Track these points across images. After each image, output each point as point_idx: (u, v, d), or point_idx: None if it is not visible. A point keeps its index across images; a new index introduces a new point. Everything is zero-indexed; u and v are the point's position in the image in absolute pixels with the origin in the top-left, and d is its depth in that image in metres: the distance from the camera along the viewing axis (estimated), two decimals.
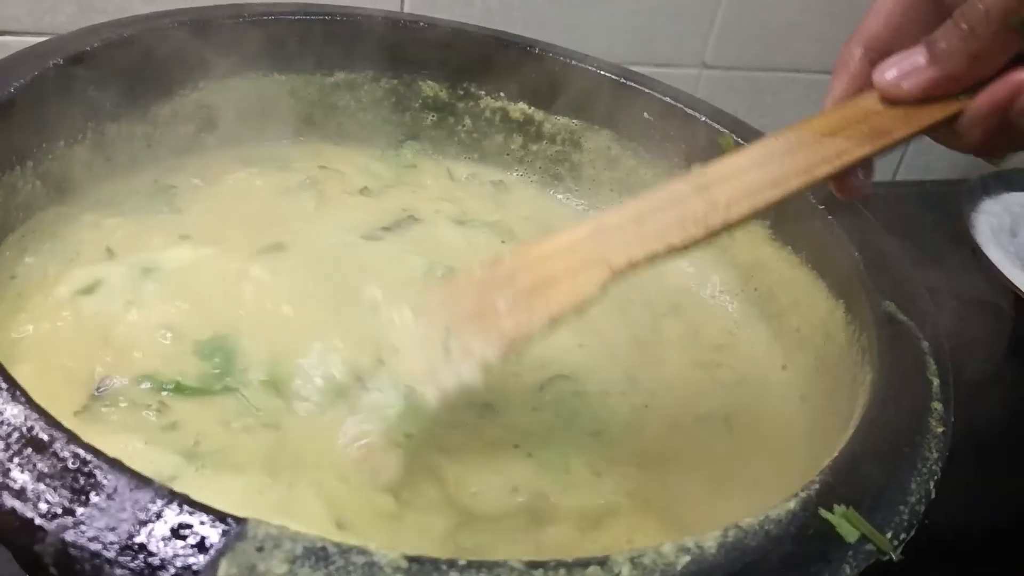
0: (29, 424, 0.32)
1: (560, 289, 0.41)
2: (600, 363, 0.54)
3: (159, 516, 0.29)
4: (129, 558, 0.28)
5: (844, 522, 0.35)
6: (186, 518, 0.29)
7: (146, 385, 0.45)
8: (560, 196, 0.73)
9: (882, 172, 1.11)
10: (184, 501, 0.30)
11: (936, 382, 0.43)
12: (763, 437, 0.51)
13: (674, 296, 0.63)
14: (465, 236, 0.62)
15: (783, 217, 0.60)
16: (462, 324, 0.42)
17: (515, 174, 0.73)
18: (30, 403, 0.32)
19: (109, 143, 0.58)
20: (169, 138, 0.62)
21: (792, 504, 0.35)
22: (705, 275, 0.65)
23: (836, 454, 0.39)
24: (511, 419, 0.49)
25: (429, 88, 0.70)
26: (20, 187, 0.52)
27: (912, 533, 0.36)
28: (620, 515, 0.45)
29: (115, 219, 0.55)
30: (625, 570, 0.31)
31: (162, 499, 0.30)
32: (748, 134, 0.62)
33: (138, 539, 0.29)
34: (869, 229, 0.55)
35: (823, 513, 0.35)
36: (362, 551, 0.29)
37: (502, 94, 0.70)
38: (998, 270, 0.74)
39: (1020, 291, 0.75)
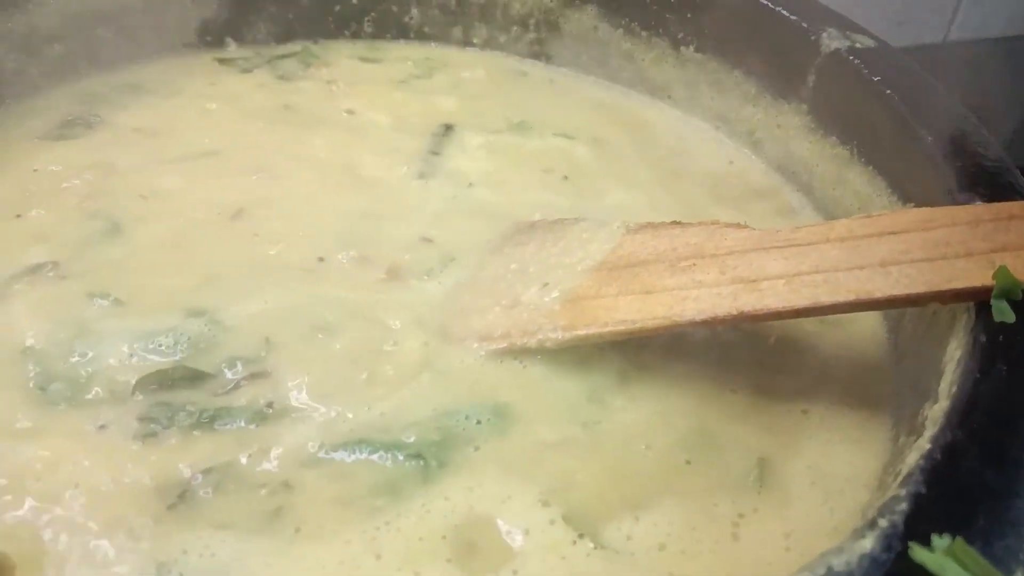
0: None
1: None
2: None
3: None
4: None
5: (950, 563, 0.23)
6: None
7: None
8: None
9: (931, 34, 0.95)
10: None
11: None
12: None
13: None
14: None
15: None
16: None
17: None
18: None
19: None
20: None
21: (868, 541, 0.23)
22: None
23: (928, 444, 0.26)
24: None
25: None
26: None
27: None
28: None
29: None
30: None
31: None
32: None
33: None
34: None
35: (917, 553, 0.23)
36: None
37: None
38: None
39: None
